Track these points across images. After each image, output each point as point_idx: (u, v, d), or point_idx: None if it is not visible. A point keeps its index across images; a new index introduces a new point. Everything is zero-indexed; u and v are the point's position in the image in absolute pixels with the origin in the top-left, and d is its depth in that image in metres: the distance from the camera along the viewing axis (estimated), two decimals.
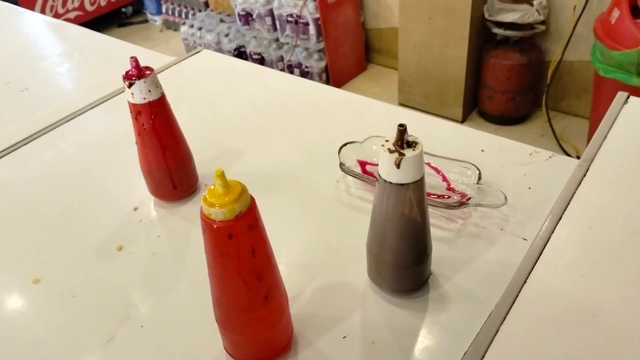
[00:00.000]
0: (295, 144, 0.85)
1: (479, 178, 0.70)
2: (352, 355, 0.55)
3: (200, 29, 2.83)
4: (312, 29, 2.49)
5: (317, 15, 2.45)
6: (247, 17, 2.66)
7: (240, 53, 2.77)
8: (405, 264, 0.56)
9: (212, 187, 0.45)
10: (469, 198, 0.68)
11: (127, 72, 0.65)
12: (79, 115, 0.96)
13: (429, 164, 0.73)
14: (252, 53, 2.74)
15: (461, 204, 0.67)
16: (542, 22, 2.12)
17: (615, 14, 1.67)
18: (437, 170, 0.73)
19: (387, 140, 0.51)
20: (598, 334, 0.52)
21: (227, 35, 2.77)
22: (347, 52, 2.67)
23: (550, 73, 2.24)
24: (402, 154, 0.49)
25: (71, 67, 1.16)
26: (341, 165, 0.74)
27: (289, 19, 2.52)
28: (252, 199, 0.46)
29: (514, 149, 0.80)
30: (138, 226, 0.72)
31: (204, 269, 0.48)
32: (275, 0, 2.52)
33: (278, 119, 0.91)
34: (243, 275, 0.47)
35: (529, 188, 0.72)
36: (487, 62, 2.22)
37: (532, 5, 2.06)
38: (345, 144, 0.76)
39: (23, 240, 0.72)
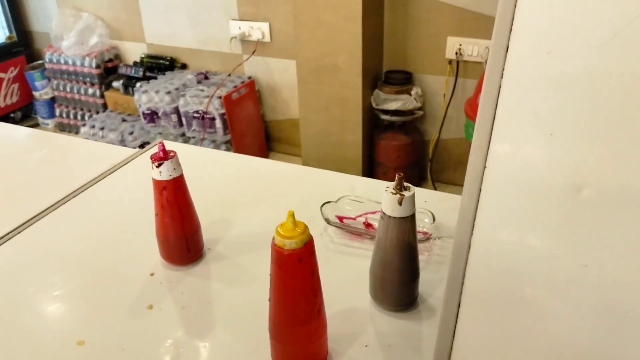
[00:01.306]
0: (275, 209, 1.01)
1: (434, 219, 0.91)
2: (375, 356, 0.70)
3: (102, 128, 2.90)
4: (218, 122, 2.69)
5: (223, 111, 2.66)
6: (152, 116, 2.79)
7: None
8: (406, 280, 0.74)
9: (282, 225, 0.60)
10: (431, 234, 0.88)
11: (155, 155, 0.79)
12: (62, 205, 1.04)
13: None
14: None
15: (427, 238, 0.87)
16: (420, 108, 2.51)
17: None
18: None
19: (387, 187, 0.70)
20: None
21: (131, 133, 2.87)
22: (251, 142, 2.89)
23: (430, 150, 2.62)
24: (402, 195, 0.69)
25: (38, 162, 1.23)
26: (327, 220, 0.91)
27: (195, 115, 2.70)
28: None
29: (447, 198, 1.03)
30: (160, 287, 0.82)
31: (233, 312, 0.66)
32: (181, 99, 2.69)
33: (249, 192, 1.07)
34: (306, 293, 0.62)
35: None
36: (379, 143, 2.55)
37: (410, 94, 2.45)
38: (324, 204, 0.94)
39: (59, 304, 0.79)
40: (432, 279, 0.82)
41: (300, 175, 1.13)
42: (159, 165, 0.78)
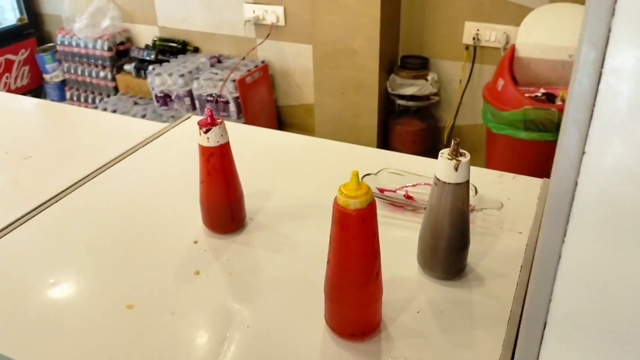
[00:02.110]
0: (313, 182, 1.01)
1: (476, 192, 0.90)
2: (428, 323, 0.70)
3: (114, 111, 2.89)
4: (232, 106, 2.68)
5: (237, 94, 2.65)
6: (165, 99, 2.78)
7: None
8: (457, 248, 0.74)
9: (345, 185, 0.60)
10: (474, 206, 0.88)
11: (202, 121, 0.79)
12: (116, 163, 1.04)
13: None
14: None
15: (471, 210, 0.86)
16: (436, 94, 2.50)
17: (501, 82, 2.06)
18: None
19: (442, 152, 0.70)
20: None
21: (143, 116, 2.86)
22: (264, 127, 2.88)
23: (445, 137, 2.61)
24: (458, 160, 0.68)
25: (74, 134, 1.22)
26: None
27: (209, 98, 2.68)
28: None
29: (484, 174, 1.02)
30: (205, 255, 0.82)
31: (280, 278, 0.72)
32: (195, 82, 2.68)
33: (287, 165, 1.07)
34: (367, 254, 0.61)
35: (508, 199, 0.94)
36: (394, 129, 2.54)
37: (427, 80, 2.44)
38: (364, 175, 0.94)
39: (104, 270, 0.79)
40: (476, 249, 0.82)
41: (337, 151, 1.13)
42: (207, 131, 0.78)
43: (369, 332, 0.67)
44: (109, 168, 1.05)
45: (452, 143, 0.69)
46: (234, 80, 2.63)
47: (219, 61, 2.87)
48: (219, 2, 2.83)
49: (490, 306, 0.72)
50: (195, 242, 0.85)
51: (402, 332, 0.69)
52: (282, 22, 2.74)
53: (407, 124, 2.52)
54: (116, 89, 3.16)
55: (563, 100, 2.00)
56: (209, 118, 0.78)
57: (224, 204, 0.83)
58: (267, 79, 2.86)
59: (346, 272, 0.63)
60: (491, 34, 2.34)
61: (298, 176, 1.03)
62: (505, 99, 2.03)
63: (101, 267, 0.81)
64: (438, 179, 0.70)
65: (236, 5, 2.80)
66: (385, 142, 2.61)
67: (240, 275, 0.78)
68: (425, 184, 0.94)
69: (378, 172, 0.96)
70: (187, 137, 1.18)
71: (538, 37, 2.09)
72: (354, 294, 0.64)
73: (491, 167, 2.34)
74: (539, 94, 2.01)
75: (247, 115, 2.73)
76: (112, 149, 1.11)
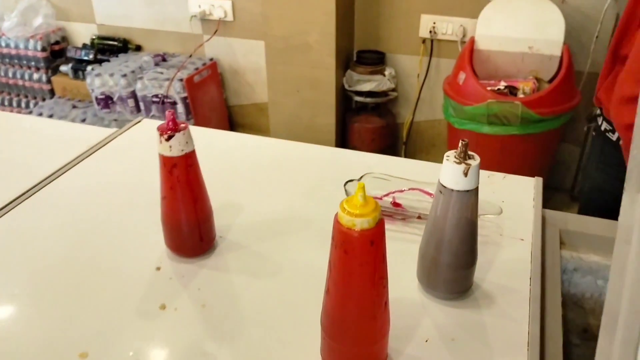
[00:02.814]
0: (288, 192, 0.90)
1: None
2: (439, 354, 0.61)
3: (50, 116, 2.67)
4: (180, 107, 2.52)
5: (185, 94, 2.49)
6: (106, 101, 2.59)
7: None
8: (466, 264, 0.65)
9: (348, 201, 0.49)
10: None
11: (163, 126, 0.66)
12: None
13: (424, 190, 0.84)
14: None
15: None
16: (394, 90, 2.43)
17: (462, 76, 2.00)
18: (432, 195, 0.84)
19: (448, 156, 0.61)
20: None
21: (83, 120, 2.65)
22: (215, 128, 2.73)
23: (405, 133, 2.55)
24: (468, 164, 0.59)
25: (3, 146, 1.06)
26: None
27: (155, 99, 2.52)
28: None
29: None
30: (171, 284, 0.70)
31: (263, 308, 0.61)
32: (139, 83, 2.50)
33: (257, 173, 0.95)
34: (376, 282, 0.51)
35: (503, 201, 0.86)
36: (352, 127, 2.45)
37: (384, 75, 2.37)
38: (347, 182, 0.84)
39: (49, 309, 0.66)
40: (479, 261, 0.73)
41: (310, 155, 1.02)
42: (169, 138, 0.66)
43: None
44: (49, 183, 0.91)
45: (460, 144, 0.59)
46: (181, 80, 2.47)
47: (164, 59, 2.70)
48: None
49: (504, 328, 0.64)
50: (158, 268, 0.72)
51: None
52: (230, 17, 2.60)
53: (365, 121, 2.44)
54: (52, 92, 2.93)
55: (525, 93, 1.97)
56: (170, 123, 0.66)
57: (191, 223, 0.71)
58: (216, 78, 2.72)
59: (351, 304, 0.52)
60: (448, 26, 2.29)
61: (270, 185, 0.92)
62: (467, 93, 1.98)
63: (45, 306, 0.67)
64: (444, 187, 0.61)
65: (180, 0, 2.64)
66: (343, 140, 2.52)
67: (215, 307, 0.67)
68: (412, 189, 0.85)
69: (361, 177, 0.86)
70: (139, 144, 1.04)
71: (497, 29, 2.05)
72: (360, 329, 0.54)
73: None
74: (502, 87, 1.97)
75: (197, 117, 2.58)
76: (52, 161, 0.96)
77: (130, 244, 0.77)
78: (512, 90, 1.98)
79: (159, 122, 1.18)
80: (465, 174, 0.59)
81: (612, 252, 0.89)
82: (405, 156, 2.57)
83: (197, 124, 2.59)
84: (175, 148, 0.66)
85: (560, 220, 0.89)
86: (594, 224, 0.90)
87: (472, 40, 2.06)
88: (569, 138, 2.28)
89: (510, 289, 0.69)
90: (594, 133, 1.04)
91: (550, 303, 0.69)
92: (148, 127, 1.11)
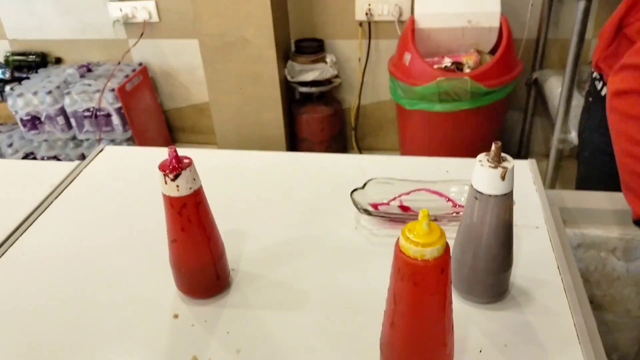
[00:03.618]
0: (291, 209, 0.85)
1: None
2: None
3: None
4: (115, 119, 2.38)
5: (119, 105, 2.35)
6: (33, 121, 2.40)
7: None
8: (505, 267, 0.63)
9: (411, 229, 0.46)
10: None
11: (165, 164, 0.60)
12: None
13: (430, 190, 0.82)
14: (45, 158, 2.47)
15: None
16: (337, 76, 2.40)
17: (407, 56, 2.00)
18: (440, 194, 0.82)
19: (481, 160, 0.58)
20: None
21: (10, 145, 2.45)
22: (154, 136, 2.61)
23: (353, 118, 2.54)
24: (505, 168, 0.57)
25: None
26: (366, 211, 0.78)
27: (86, 114, 2.36)
28: None
29: (460, 163, 0.93)
30: (194, 331, 0.64)
31: (303, 343, 0.59)
32: (66, 98, 2.34)
33: (252, 193, 0.89)
34: (447, 307, 0.49)
35: None
36: (300, 118, 2.41)
37: (326, 62, 2.33)
38: (352, 191, 0.80)
39: None
40: None
41: (302, 164, 0.97)
42: (175, 178, 0.59)
43: None
44: (17, 240, 0.80)
45: (494, 147, 0.57)
46: (113, 90, 2.33)
47: (90, 70, 2.54)
48: (79, 4, 2.49)
49: (551, 324, 0.63)
50: (176, 316, 0.66)
51: None
52: (155, 18, 2.47)
53: (312, 111, 2.40)
54: None
55: (470, 67, 1.99)
56: (174, 160, 0.60)
57: (207, 263, 0.66)
58: (148, 83, 2.59)
59: (423, 336, 0.49)
60: (383, 7, 2.28)
61: (269, 204, 0.86)
62: (415, 74, 1.98)
63: None
64: (480, 193, 0.59)
65: (99, 5, 2.47)
66: (292, 133, 2.47)
67: (252, 350, 0.62)
68: (418, 190, 0.83)
69: (365, 185, 0.82)
70: (110, 174, 0.96)
71: (435, 7, 2.05)
72: (431, 357, 0.51)
73: (406, 144, 2.31)
74: (448, 64, 1.99)
75: (135, 127, 2.45)
76: (11, 209, 0.86)
77: (137, 292, 0.70)
78: (458, 66, 2.00)
79: (122, 148, 1.10)
80: (503, 178, 0.57)
81: (612, 224, 0.91)
82: (356, 141, 2.56)
83: (135, 134, 2.46)
84: (183, 187, 0.60)
85: (558, 198, 0.90)
86: (592, 198, 0.91)
87: (412, 20, 2.05)
88: (512, 105, 2.34)
89: (543, 281, 0.69)
90: (590, 99, 1.06)
91: (578, 289, 0.69)
92: (113, 153, 1.02)
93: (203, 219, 0.63)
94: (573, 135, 1.81)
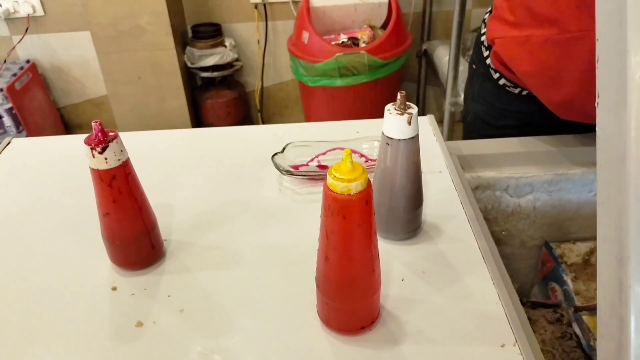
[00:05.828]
0: (215, 180, 0.88)
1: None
2: (418, 286, 0.66)
3: None
4: (7, 120, 2.25)
5: (9, 105, 2.23)
6: None
7: None
8: (417, 204, 0.71)
9: (337, 169, 0.51)
10: None
11: (91, 138, 0.61)
12: None
13: (344, 148, 0.88)
14: None
15: None
16: (238, 60, 2.41)
17: (306, 35, 2.06)
18: (354, 151, 0.88)
19: (389, 109, 0.65)
20: None
21: None
22: (51, 135, 2.49)
23: (257, 100, 2.57)
24: (410, 113, 0.64)
25: None
26: (288, 172, 0.82)
27: None
28: None
29: (368, 123, 1.00)
30: (135, 299, 0.66)
31: (245, 297, 0.63)
32: None
33: (177, 169, 0.91)
34: (373, 236, 0.55)
35: None
36: (204, 104, 2.40)
37: (225, 47, 2.34)
38: (273, 155, 0.85)
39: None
40: None
41: (222, 138, 0.99)
42: (103, 150, 0.61)
43: (376, 319, 0.61)
44: None
45: (399, 96, 0.64)
46: (1, 90, 2.20)
47: None
48: None
49: (460, 250, 0.72)
50: (114, 288, 0.68)
51: (400, 305, 0.64)
52: (40, 12, 2.35)
53: (216, 96, 2.40)
54: None
55: (365, 42, 2.09)
56: (99, 134, 0.61)
57: (142, 233, 0.68)
58: (38, 80, 2.46)
59: (355, 264, 0.55)
60: None
61: (193, 177, 0.89)
62: (314, 51, 2.05)
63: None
64: (391, 138, 0.65)
65: None
66: (198, 120, 2.46)
67: (195, 308, 0.65)
68: (333, 149, 0.89)
69: (284, 148, 0.87)
70: (26, 166, 0.94)
71: None
72: (363, 284, 0.57)
73: (312, 120, 2.38)
74: (345, 40, 2.07)
75: (29, 126, 2.33)
76: None
77: (70, 273, 0.71)
78: (354, 42, 2.09)
79: (31, 139, 1.07)
80: (409, 123, 0.64)
81: (503, 166, 1.02)
82: (262, 122, 2.59)
83: (29, 134, 2.34)
84: (111, 159, 0.62)
85: (455, 148, 1.00)
86: (483, 146, 1.02)
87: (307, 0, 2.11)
88: (406, 77, 2.48)
89: (450, 216, 0.77)
90: (474, 66, 1.13)
91: (479, 220, 0.78)
92: (21, 147, 0.99)
93: (133, 189, 0.65)
94: (462, 98, 1.97)
